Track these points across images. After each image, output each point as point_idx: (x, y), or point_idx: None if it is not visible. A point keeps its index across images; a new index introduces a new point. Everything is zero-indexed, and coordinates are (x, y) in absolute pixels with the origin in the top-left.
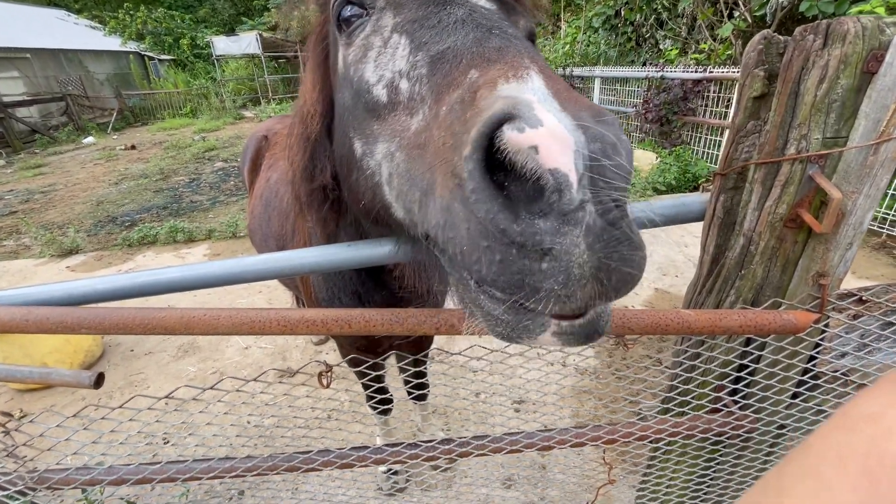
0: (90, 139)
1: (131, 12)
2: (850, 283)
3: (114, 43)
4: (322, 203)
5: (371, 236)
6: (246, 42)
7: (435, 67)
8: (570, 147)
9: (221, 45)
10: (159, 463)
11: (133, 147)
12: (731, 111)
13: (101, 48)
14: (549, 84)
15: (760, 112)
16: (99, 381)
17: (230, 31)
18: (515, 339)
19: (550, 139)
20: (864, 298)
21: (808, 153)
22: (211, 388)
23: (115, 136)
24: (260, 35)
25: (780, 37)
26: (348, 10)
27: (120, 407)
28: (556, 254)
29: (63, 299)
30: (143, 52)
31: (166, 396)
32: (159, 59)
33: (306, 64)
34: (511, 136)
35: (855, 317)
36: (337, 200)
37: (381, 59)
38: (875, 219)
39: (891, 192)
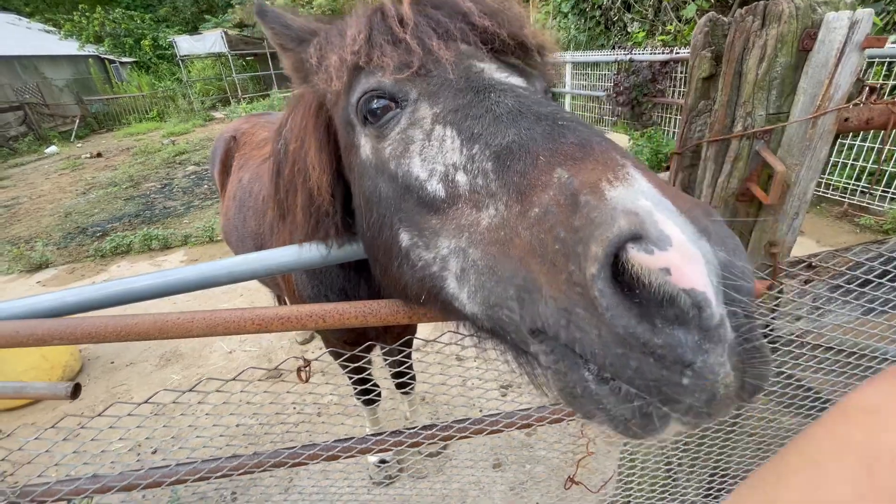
0: (53, 149)
1: (87, 14)
2: (814, 251)
3: (71, 47)
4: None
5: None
6: (211, 41)
7: (503, 163)
8: (702, 263)
9: (185, 44)
10: (143, 469)
11: (99, 155)
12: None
13: (58, 53)
14: (653, 182)
15: (710, 92)
16: (76, 391)
17: (193, 30)
18: (639, 436)
19: (682, 260)
20: (813, 264)
21: (754, 129)
22: (191, 390)
23: (79, 145)
24: (225, 33)
25: (724, 18)
26: (376, 104)
27: (99, 415)
28: (700, 371)
29: (28, 314)
30: (102, 56)
31: (145, 401)
32: (120, 62)
33: (306, 137)
34: (640, 258)
35: (806, 282)
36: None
37: (428, 153)
38: (836, 188)
39: (850, 162)
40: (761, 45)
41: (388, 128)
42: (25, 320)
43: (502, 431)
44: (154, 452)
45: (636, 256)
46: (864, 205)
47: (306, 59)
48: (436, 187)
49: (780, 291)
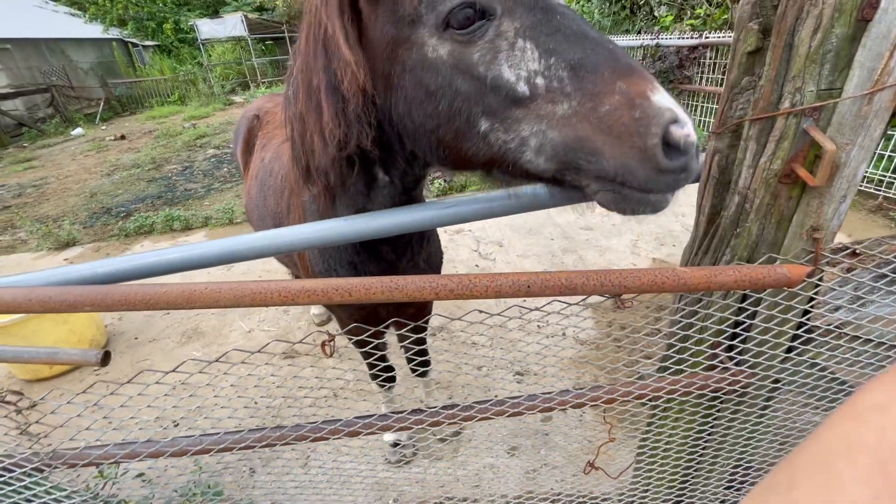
0: (79, 130)
1: None
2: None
3: (95, 30)
4: (349, 168)
5: (374, 202)
6: (231, 24)
7: (577, 73)
8: (692, 135)
9: (206, 28)
10: (171, 438)
11: (123, 137)
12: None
13: (83, 36)
14: (666, 92)
15: (755, 68)
16: (106, 358)
17: (214, 13)
18: (658, 209)
19: (692, 130)
20: (857, 251)
21: (803, 106)
22: (217, 360)
23: (103, 127)
24: (245, 16)
25: None
26: (466, 13)
27: (128, 382)
28: (686, 170)
29: (62, 283)
30: (126, 39)
31: (173, 370)
32: (143, 46)
33: (332, 34)
34: (679, 131)
35: (848, 270)
36: (365, 163)
37: (513, 61)
38: (871, 181)
39: (888, 153)
40: (816, 15)
41: (476, 36)
42: (58, 286)
43: (523, 414)
44: (176, 425)
45: (677, 131)
46: None
47: None
48: (523, 87)
49: (821, 279)
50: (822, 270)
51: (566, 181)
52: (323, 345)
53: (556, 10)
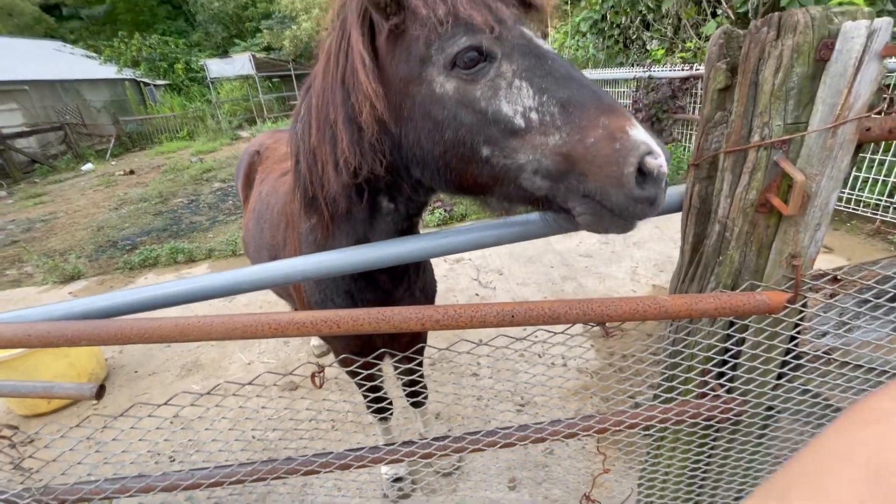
0: (89, 166)
1: (126, 40)
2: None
3: (109, 71)
4: (359, 195)
5: (376, 230)
6: (239, 64)
7: (566, 109)
8: (665, 162)
9: (215, 67)
10: (162, 472)
11: (132, 172)
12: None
13: (97, 77)
14: (644, 127)
15: (726, 103)
16: (100, 392)
17: (223, 53)
18: (627, 229)
19: (664, 162)
20: (838, 277)
21: (771, 139)
22: (209, 393)
23: (113, 162)
24: (253, 56)
25: (740, 31)
26: (471, 56)
27: (121, 415)
28: (654, 201)
29: (62, 318)
30: (138, 79)
31: (165, 403)
32: (155, 85)
33: (354, 71)
34: (651, 162)
35: (831, 296)
36: (373, 190)
37: (511, 98)
38: (868, 205)
39: (881, 178)
40: (777, 56)
41: (479, 75)
42: (55, 322)
43: (515, 445)
44: (172, 460)
45: (651, 161)
46: None
47: None
48: (518, 121)
49: (805, 305)
50: (805, 297)
51: (556, 202)
52: (313, 376)
53: (548, 56)
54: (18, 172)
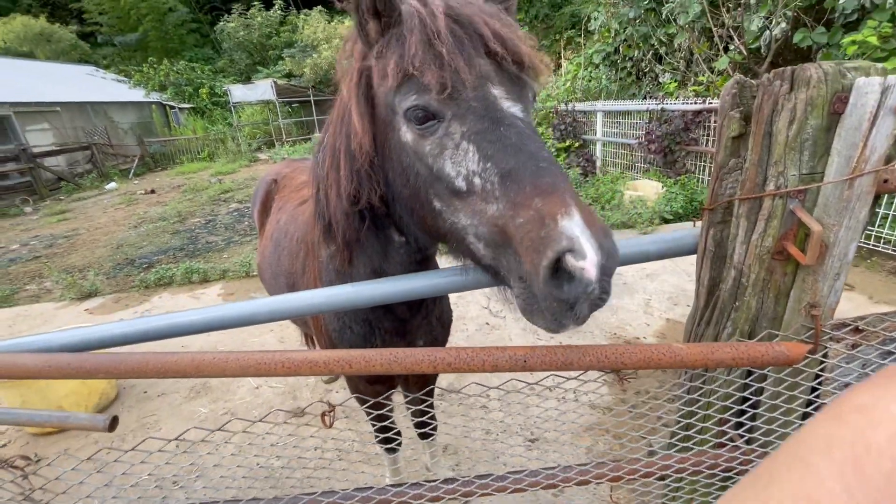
0: (112, 185)
1: (155, 66)
2: (867, 308)
3: (138, 94)
4: (361, 223)
5: (391, 261)
6: (261, 89)
7: (505, 181)
8: (596, 266)
9: (238, 92)
10: None
11: (153, 191)
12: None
13: (125, 99)
14: (583, 215)
15: (740, 150)
16: (113, 424)
17: (247, 79)
18: (552, 329)
19: (590, 265)
20: (859, 328)
21: (787, 189)
22: (219, 429)
23: (136, 182)
24: (275, 82)
25: (752, 81)
26: (421, 114)
27: (132, 449)
28: (578, 308)
29: (80, 345)
30: (164, 102)
31: (176, 438)
32: (179, 108)
33: (346, 111)
34: (570, 261)
35: (853, 346)
36: (375, 220)
37: (456, 159)
38: (889, 242)
39: None
40: (790, 108)
41: (428, 132)
42: (76, 353)
43: (526, 490)
44: (175, 485)
45: (570, 260)
46: None
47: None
48: (460, 183)
49: (826, 355)
50: (826, 347)
51: (501, 275)
52: (323, 416)
53: (504, 121)
54: (45, 189)
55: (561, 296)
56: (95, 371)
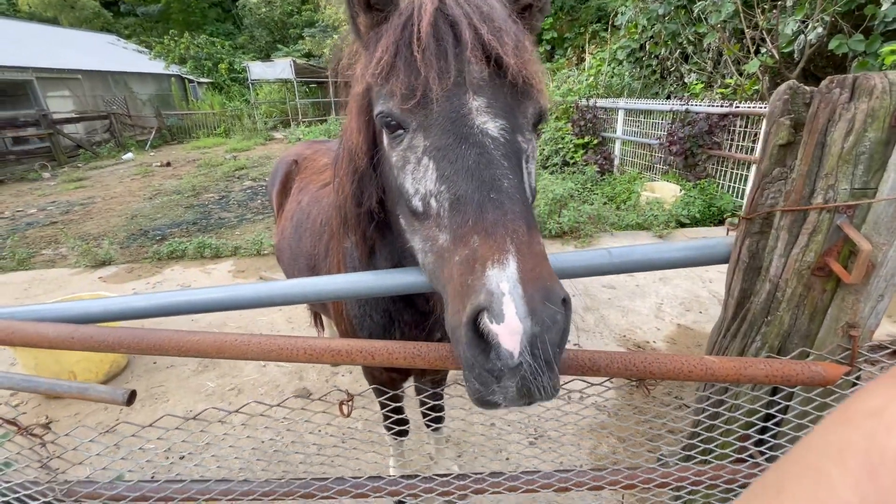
0: (129, 155)
1: (176, 38)
2: (890, 328)
3: (157, 66)
4: (368, 223)
5: (407, 256)
6: (280, 68)
7: (454, 209)
8: (517, 334)
9: (257, 70)
10: (182, 481)
11: (168, 164)
12: (758, 146)
13: (145, 70)
14: (521, 266)
15: (786, 159)
16: (131, 398)
17: (266, 57)
18: (479, 404)
19: (506, 332)
20: None
21: (836, 203)
22: (237, 411)
23: (152, 153)
24: (294, 61)
25: (806, 87)
26: (389, 122)
27: (150, 425)
28: (503, 385)
29: (100, 315)
30: (183, 75)
31: (195, 417)
32: (198, 82)
33: (350, 108)
34: (485, 323)
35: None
36: (382, 222)
37: (416, 175)
38: None
39: None
40: (849, 119)
41: (396, 141)
42: (99, 327)
43: (538, 491)
44: (182, 458)
45: (484, 321)
46: None
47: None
48: (417, 203)
49: (858, 378)
50: (860, 369)
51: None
52: (341, 405)
53: (469, 138)
54: (63, 156)
55: (483, 364)
56: (118, 345)
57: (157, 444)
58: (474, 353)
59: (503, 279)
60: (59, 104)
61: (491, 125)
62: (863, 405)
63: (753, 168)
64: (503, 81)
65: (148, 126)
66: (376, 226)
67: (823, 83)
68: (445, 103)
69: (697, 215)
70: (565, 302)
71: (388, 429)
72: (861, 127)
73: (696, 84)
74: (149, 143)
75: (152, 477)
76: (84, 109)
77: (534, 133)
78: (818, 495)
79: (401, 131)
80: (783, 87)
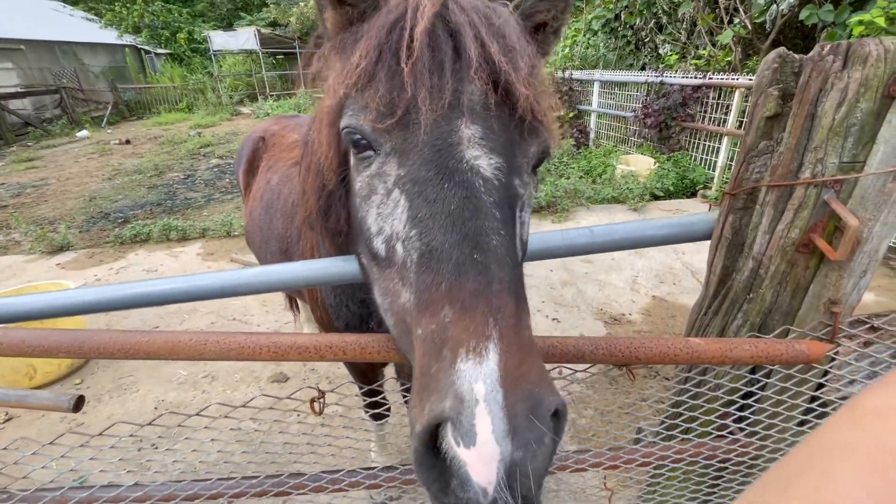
0: (84, 133)
1: (128, 5)
2: (869, 305)
3: (110, 36)
4: (336, 236)
5: None
6: (244, 38)
7: (423, 264)
8: (496, 461)
9: (219, 39)
10: (136, 484)
11: (128, 142)
12: (730, 118)
13: (96, 41)
14: (504, 361)
15: (773, 132)
16: (78, 404)
17: (228, 26)
18: None
19: (479, 461)
20: (875, 326)
21: (825, 178)
22: (197, 414)
23: (109, 130)
24: (258, 31)
25: (796, 55)
26: (358, 140)
27: (99, 434)
28: None
29: (43, 311)
30: (139, 46)
31: (149, 423)
32: (156, 53)
33: (318, 119)
34: (449, 442)
35: (866, 344)
36: (350, 237)
37: (383, 211)
38: None
39: None
40: (841, 88)
41: (363, 164)
42: (33, 329)
43: None
44: (155, 448)
45: (448, 439)
46: None
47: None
48: (379, 245)
49: (836, 353)
50: (839, 344)
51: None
52: (312, 402)
53: (455, 174)
54: (11, 135)
55: (441, 497)
56: (55, 349)
57: (119, 458)
58: (428, 478)
59: (478, 378)
60: (2, 77)
61: (484, 162)
62: (867, 405)
63: (725, 140)
64: (507, 112)
65: (103, 101)
66: (346, 240)
67: (815, 50)
68: (431, 127)
69: (671, 188)
70: (557, 415)
71: (369, 413)
72: (854, 97)
73: (671, 55)
74: (105, 119)
75: (127, 472)
76: (30, 83)
77: (532, 175)
78: (824, 492)
79: (370, 153)
80: (772, 54)
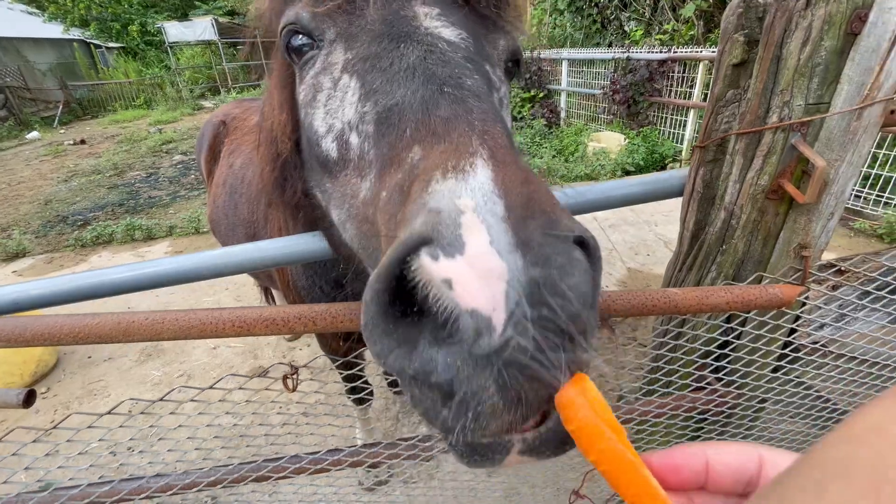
0: (34, 134)
1: None
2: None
3: (55, 30)
4: (296, 211)
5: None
6: (201, 28)
7: (381, 130)
8: (498, 278)
9: (174, 31)
10: (111, 482)
11: (83, 141)
12: (695, 91)
13: (40, 35)
14: (498, 176)
15: (740, 80)
16: (29, 399)
17: (183, 16)
18: (476, 465)
19: (469, 272)
20: (843, 269)
21: (792, 121)
22: (162, 399)
23: (62, 131)
24: (216, 20)
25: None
26: (297, 40)
27: (54, 427)
28: (463, 402)
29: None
30: (88, 40)
31: (108, 413)
32: (107, 48)
33: (271, 83)
34: (424, 265)
35: (834, 287)
36: (312, 209)
37: (331, 105)
38: (858, 198)
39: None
40: (805, 27)
41: (306, 68)
42: None
43: None
44: (131, 451)
45: (420, 261)
46: (859, 209)
47: None
48: (329, 147)
49: (807, 297)
50: (809, 289)
51: None
52: (285, 379)
53: (411, 37)
54: None
55: (405, 363)
56: None
57: (98, 440)
58: (383, 344)
59: (462, 193)
60: None
61: (446, 32)
62: (866, 421)
63: (692, 113)
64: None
65: (53, 100)
66: (306, 214)
67: None
68: (379, 6)
69: (641, 163)
70: (584, 245)
71: (352, 397)
72: (818, 35)
73: (636, 31)
74: (57, 119)
75: (100, 478)
76: None
77: (506, 78)
78: None
79: (313, 52)
80: (735, 0)
